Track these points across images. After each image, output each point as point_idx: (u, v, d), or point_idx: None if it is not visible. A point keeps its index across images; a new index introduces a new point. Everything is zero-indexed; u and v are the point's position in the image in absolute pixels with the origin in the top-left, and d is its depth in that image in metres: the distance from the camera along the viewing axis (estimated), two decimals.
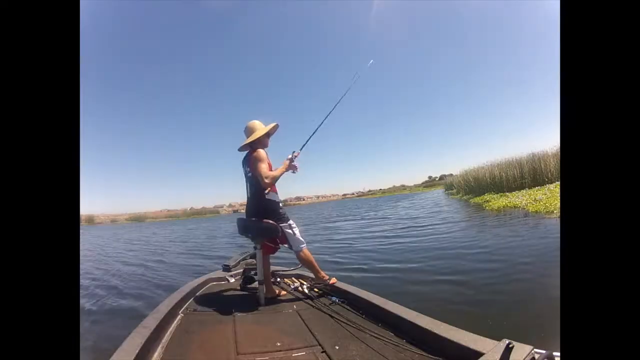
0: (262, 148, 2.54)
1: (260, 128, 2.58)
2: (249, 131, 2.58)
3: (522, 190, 12.75)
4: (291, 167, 2.61)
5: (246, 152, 2.64)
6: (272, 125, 2.65)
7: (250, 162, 2.49)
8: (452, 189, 24.12)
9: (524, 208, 9.39)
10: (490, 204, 11.90)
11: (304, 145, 2.74)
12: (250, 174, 2.52)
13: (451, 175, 30.48)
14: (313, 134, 2.80)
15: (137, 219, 63.99)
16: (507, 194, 13.05)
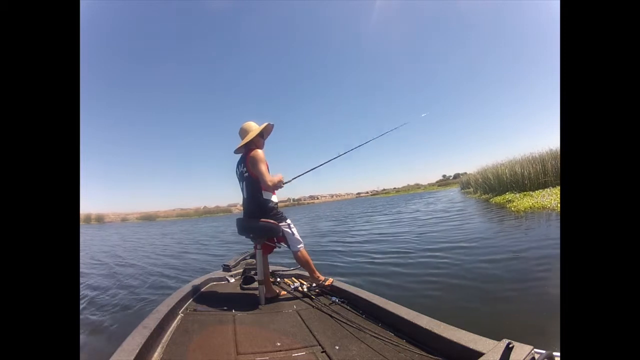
0: (258, 149, 2.54)
1: (254, 129, 2.58)
2: (243, 132, 2.61)
3: (546, 189, 11.60)
4: (278, 187, 2.60)
5: (241, 154, 2.66)
6: (264, 125, 2.63)
7: (249, 162, 2.49)
8: (468, 188, 22.74)
9: (555, 209, 8.46)
10: (513, 204, 10.74)
11: (294, 178, 2.86)
12: (247, 174, 2.52)
13: (465, 173, 29.97)
14: (310, 170, 3.01)
15: (148, 218, 64.22)
16: (531, 193, 11.85)
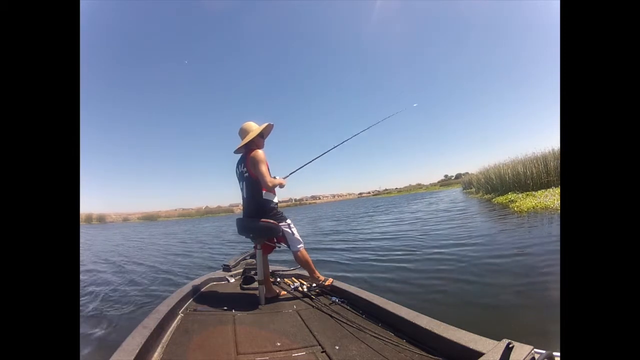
0: (258, 149, 2.53)
1: (254, 129, 2.57)
2: (243, 132, 2.60)
3: (548, 189, 11.52)
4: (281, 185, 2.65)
5: (241, 154, 2.66)
6: (264, 125, 2.62)
7: (249, 163, 2.48)
8: (470, 188, 22.85)
9: (558, 209, 8.36)
10: (516, 204, 10.63)
11: (291, 173, 2.89)
12: (247, 174, 2.51)
13: (467, 173, 29.97)
14: (305, 164, 3.05)
15: (150, 218, 64.11)
16: (534, 193, 11.77)
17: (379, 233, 9.31)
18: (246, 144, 2.55)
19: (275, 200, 2.57)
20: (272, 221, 2.44)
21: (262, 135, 2.62)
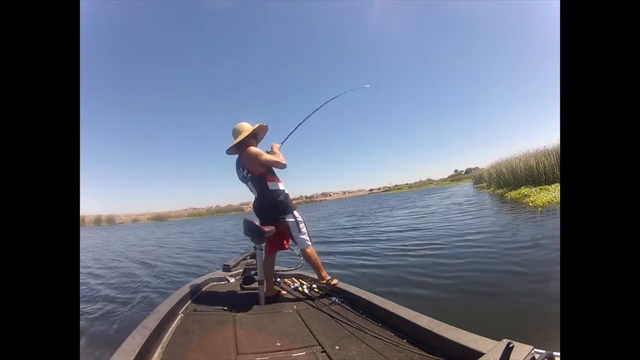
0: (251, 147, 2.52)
1: (246, 129, 2.55)
2: (236, 133, 2.57)
3: None
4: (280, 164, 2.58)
5: (237, 155, 2.63)
6: (257, 125, 2.60)
7: (247, 162, 2.48)
8: (481, 182, 22.40)
9: None
10: (530, 198, 10.22)
11: (284, 140, 2.80)
12: (249, 175, 2.50)
13: (477, 168, 29.62)
14: (294, 130, 2.93)
15: (159, 219, 63.39)
16: (548, 187, 11.37)
17: (403, 226, 9.32)
18: (238, 145, 2.54)
19: (282, 187, 2.53)
20: (256, 224, 2.40)
21: (254, 137, 2.60)
